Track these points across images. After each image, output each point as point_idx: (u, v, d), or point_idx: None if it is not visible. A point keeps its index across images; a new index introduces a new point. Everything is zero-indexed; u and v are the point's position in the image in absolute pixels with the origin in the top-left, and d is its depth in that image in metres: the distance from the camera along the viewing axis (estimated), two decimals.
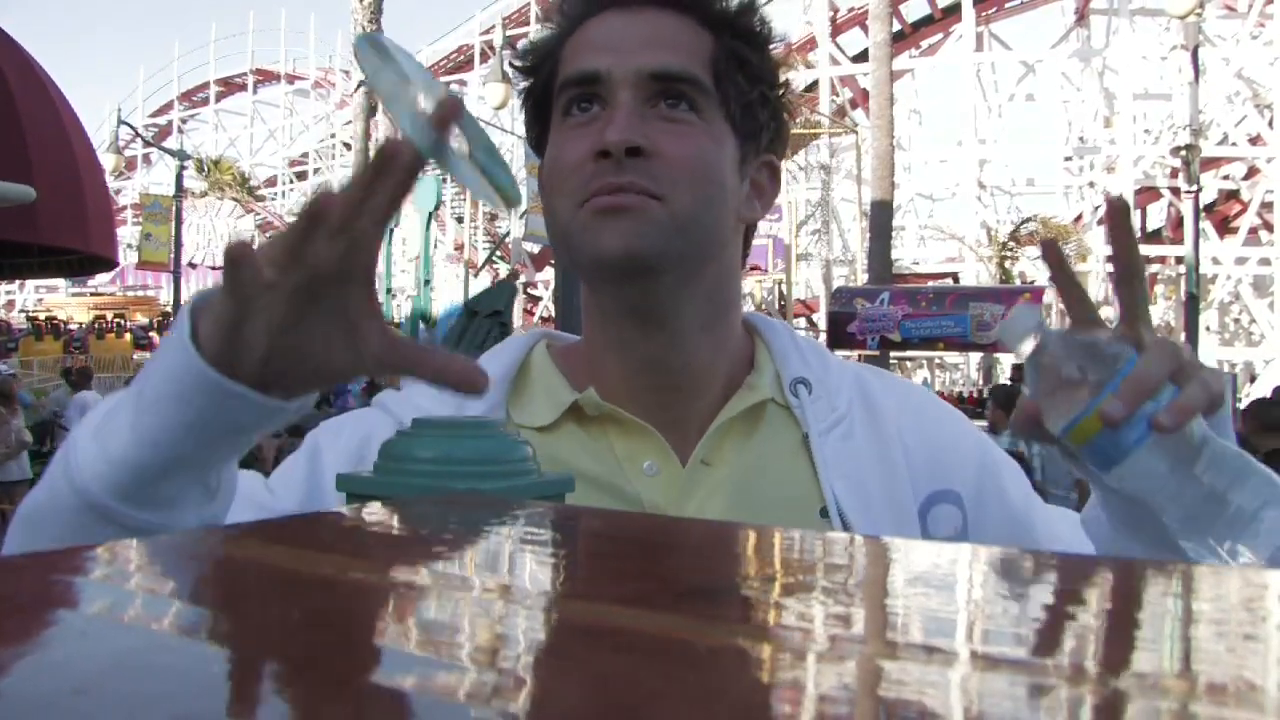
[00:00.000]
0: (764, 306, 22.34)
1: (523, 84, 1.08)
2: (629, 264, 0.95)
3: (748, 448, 1.03)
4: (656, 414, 1.02)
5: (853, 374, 1.09)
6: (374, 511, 0.56)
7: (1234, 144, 27.86)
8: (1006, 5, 31.91)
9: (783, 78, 1.08)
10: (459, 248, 32.02)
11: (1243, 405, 12.34)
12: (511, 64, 1.10)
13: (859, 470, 1.01)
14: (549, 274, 28.32)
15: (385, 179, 0.70)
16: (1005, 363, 17.95)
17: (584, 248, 0.97)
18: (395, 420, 1.00)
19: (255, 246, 0.71)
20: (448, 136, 0.75)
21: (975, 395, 14.94)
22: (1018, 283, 24.07)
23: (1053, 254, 0.94)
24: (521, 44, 1.10)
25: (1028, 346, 0.85)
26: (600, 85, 0.98)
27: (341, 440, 1.04)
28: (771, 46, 1.05)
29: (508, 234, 29.17)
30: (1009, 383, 9.59)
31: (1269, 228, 27.53)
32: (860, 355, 15.30)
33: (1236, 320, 29.23)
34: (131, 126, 29.81)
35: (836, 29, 30.58)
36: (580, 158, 0.97)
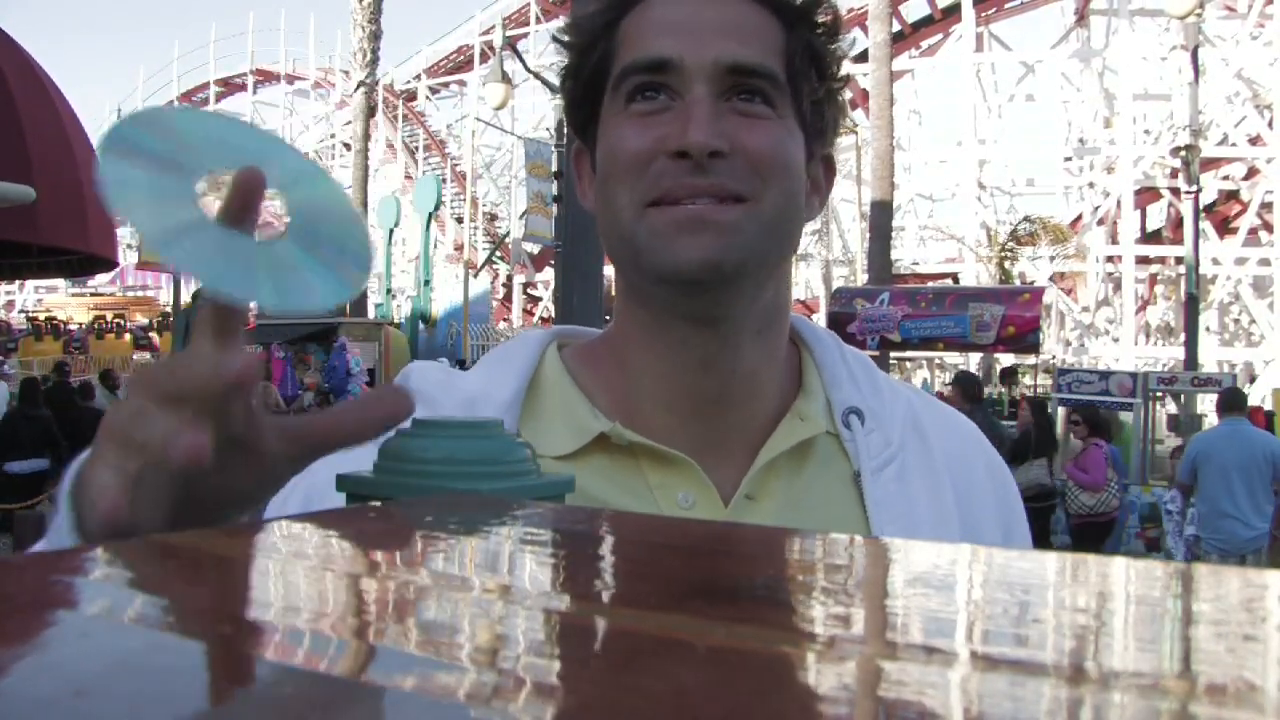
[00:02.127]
0: None
1: (568, 61, 1.00)
2: (709, 275, 0.89)
3: (795, 483, 0.96)
4: (696, 434, 0.95)
5: (904, 401, 1.02)
6: (374, 511, 0.56)
7: (1234, 144, 27.84)
8: (1006, 6, 31.89)
9: (841, 72, 1.00)
10: (459, 248, 32.01)
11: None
12: (556, 38, 1.01)
13: (910, 512, 0.95)
14: (549, 274, 28.29)
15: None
16: (1004, 362, 17.97)
17: (657, 257, 0.90)
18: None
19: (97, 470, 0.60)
20: (252, 225, 0.62)
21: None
22: (1017, 283, 24.06)
23: None
24: (569, 17, 1.02)
25: None
26: (670, 74, 0.91)
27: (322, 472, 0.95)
28: (839, 40, 0.98)
29: (507, 234, 29.18)
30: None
31: (1269, 228, 27.51)
32: None
33: (1236, 321, 29.21)
34: None
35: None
36: (647, 151, 0.90)
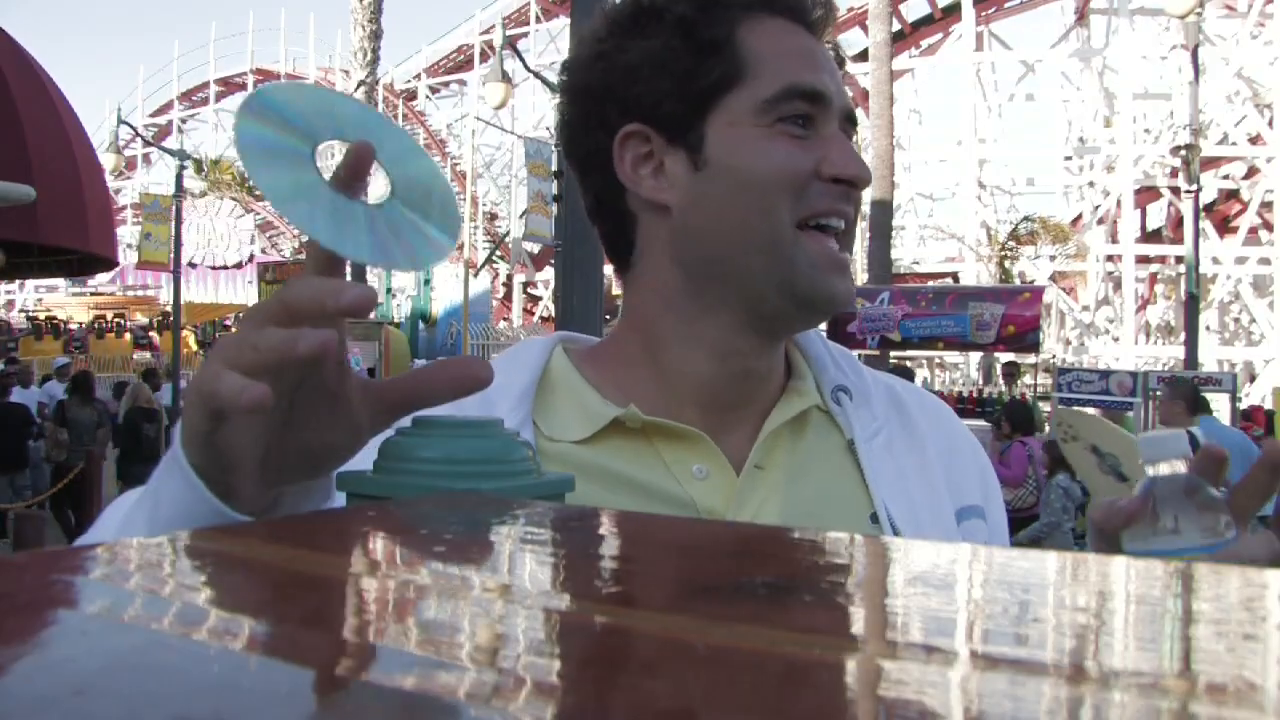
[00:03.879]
0: None
1: (672, 56, 1.00)
2: (841, 310, 1.03)
3: (798, 451, 1.04)
4: (714, 418, 1.02)
5: (884, 384, 1.11)
6: (374, 511, 0.56)
7: (1234, 143, 27.85)
8: (1006, 5, 31.90)
9: None
10: (459, 248, 32.02)
11: (1243, 405, 12.36)
12: (664, 8, 1.01)
13: (902, 479, 1.02)
14: (549, 273, 28.30)
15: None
16: (1004, 360, 17.98)
17: (813, 284, 0.98)
18: None
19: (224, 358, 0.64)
20: (360, 190, 0.70)
21: (975, 395, 14.93)
22: (1017, 282, 24.07)
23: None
24: (672, 11, 1.01)
25: (1163, 469, 0.91)
26: (819, 106, 0.99)
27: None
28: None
29: (507, 234, 29.18)
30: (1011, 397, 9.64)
31: (1269, 227, 27.52)
32: (860, 355, 15.27)
33: (1236, 320, 29.22)
34: (131, 126, 29.79)
35: (836, 28, 30.49)
36: (809, 171, 0.97)
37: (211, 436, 0.68)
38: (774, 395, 1.05)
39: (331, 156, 0.71)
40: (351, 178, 0.70)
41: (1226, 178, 28.58)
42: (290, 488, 0.73)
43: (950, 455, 1.09)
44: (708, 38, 0.99)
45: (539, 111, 33.24)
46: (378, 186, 0.74)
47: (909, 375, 10.34)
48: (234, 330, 0.68)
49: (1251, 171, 28.10)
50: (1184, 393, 8.07)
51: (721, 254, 1.00)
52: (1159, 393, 10.89)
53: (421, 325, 23.02)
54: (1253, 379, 24.98)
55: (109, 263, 8.44)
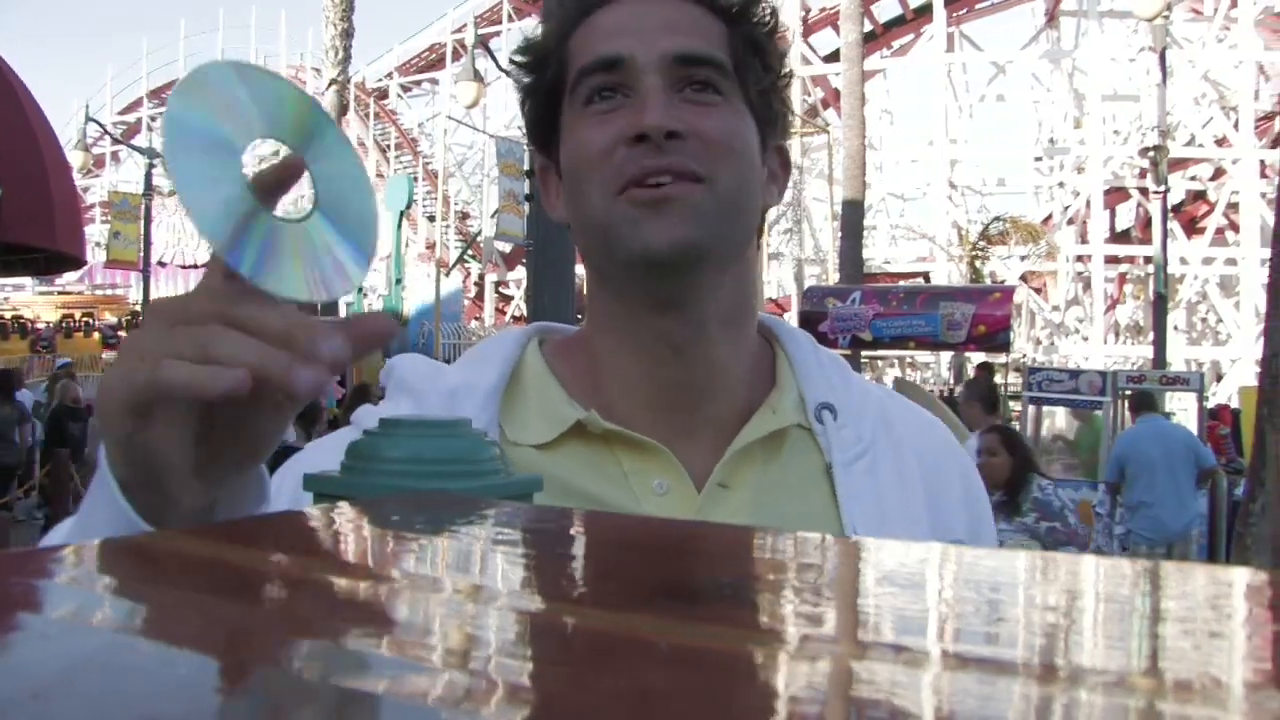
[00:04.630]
0: None
1: (525, 81, 1.04)
2: (679, 256, 0.92)
3: (768, 472, 0.98)
4: (669, 425, 0.97)
5: (876, 400, 1.05)
6: (340, 511, 0.55)
7: (1201, 145, 28.11)
8: (977, 6, 32.09)
9: (785, 69, 1.06)
10: (430, 247, 31.93)
11: (1210, 405, 12.47)
12: (512, 60, 1.06)
13: (880, 505, 0.97)
14: (521, 273, 28.27)
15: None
16: (975, 361, 18.08)
17: (627, 241, 0.93)
18: None
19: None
20: (278, 200, 0.67)
21: (946, 394, 15.01)
22: (988, 282, 24.20)
23: None
24: (523, 40, 1.06)
25: None
26: (623, 71, 0.95)
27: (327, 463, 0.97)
28: (777, 36, 1.04)
29: (479, 233, 29.12)
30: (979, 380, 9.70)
31: (1235, 228, 27.79)
32: None
33: (1204, 320, 29.49)
34: (99, 124, 29.53)
35: (808, 29, 30.65)
36: (609, 143, 0.94)
37: (136, 439, 0.65)
38: (741, 408, 1.00)
39: (259, 161, 0.67)
40: (275, 189, 0.67)
41: (1194, 179, 28.85)
42: (226, 489, 0.71)
43: (936, 481, 1.02)
44: (542, 52, 1.03)
45: (511, 111, 33.15)
46: (301, 197, 0.71)
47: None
48: (148, 324, 0.64)
49: (1218, 173, 28.37)
50: (980, 392, 8.24)
51: (580, 246, 1.01)
52: (1128, 392, 10.99)
53: None
54: (1219, 378, 25.21)
55: (77, 261, 8.37)
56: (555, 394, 1.00)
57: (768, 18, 1.02)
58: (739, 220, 0.96)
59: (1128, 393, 11.06)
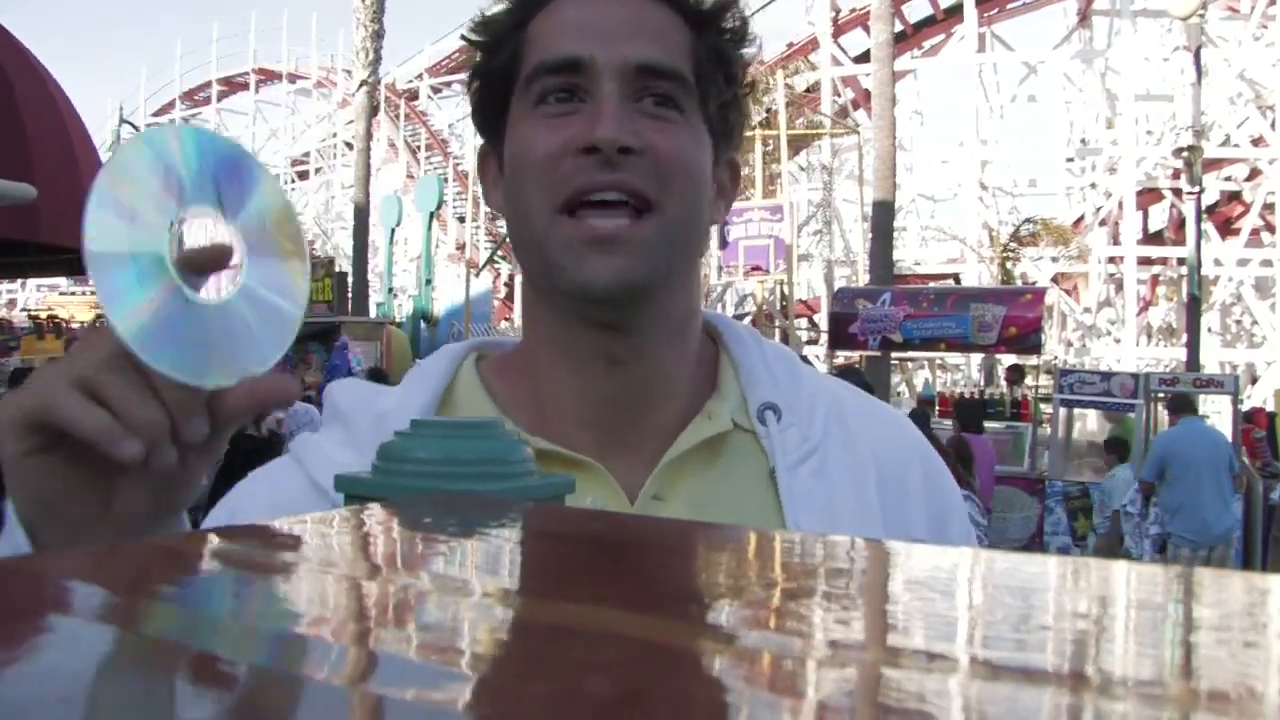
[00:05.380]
0: (765, 307, 22.33)
1: (476, 59, 0.99)
2: (620, 293, 0.89)
3: (705, 480, 0.94)
4: (605, 441, 0.94)
5: (829, 395, 1.00)
6: (371, 512, 0.55)
7: (1236, 145, 27.81)
8: (1009, 6, 31.87)
9: (748, 78, 1.01)
10: (460, 247, 32.03)
11: (1244, 408, 12.36)
12: (464, 37, 1.01)
13: (830, 507, 0.92)
14: None
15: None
16: (1006, 363, 17.96)
17: (567, 272, 0.89)
18: (307, 475, 0.93)
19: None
20: (196, 281, 0.66)
21: (977, 395, 14.91)
22: (1019, 284, 24.05)
23: None
24: (479, 14, 1.00)
25: None
26: (582, 74, 0.90)
27: (256, 503, 0.95)
28: (746, 45, 0.99)
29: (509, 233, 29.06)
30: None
31: (1271, 229, 27.49)
32: (862, 356, 15.28)
33: (1238, 322, 29.18)
34: (134, 125, 29.80)
35: (838, 29, 30.55)
36: (557, 150, 0.89)
37: (28, 465, 0.64)
38: (682, 416, 0.96)
39: (184, 230, 0.66)
40: (201, 271, 0.66)
41: (1229, 179, 28.54)
42: (140, 536, 0.69)
43: (893, 479, 0.96)
44: (497, 33, 0.97)
45: None
46: (228, 272, 0.69)
47: (863, 383, 10.40)
48: (45, 370, 0.65)
49: (1254, 173, 28.06)
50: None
51: (517, 254, 0.98)
52: (1160, 395, 10.90)
53: (423, 325, 23.02)
54: (1254, 381, 24.95)
55: None
56: (486, 411, 0.97)
57: (737, 25, 0.97)
58: (685, 248, 0.93)
59: (1160, 395, 10.98)
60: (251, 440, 9.03)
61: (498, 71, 0.97)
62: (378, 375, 10.30)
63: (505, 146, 0.96)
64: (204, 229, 0.66)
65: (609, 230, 0.88)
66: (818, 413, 0.97)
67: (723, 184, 1.00)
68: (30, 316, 29.19)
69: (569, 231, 0.89)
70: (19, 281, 32.75)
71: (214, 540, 0.49)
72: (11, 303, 37.67)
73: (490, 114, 0.98)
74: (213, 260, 0.66)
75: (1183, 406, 8.97)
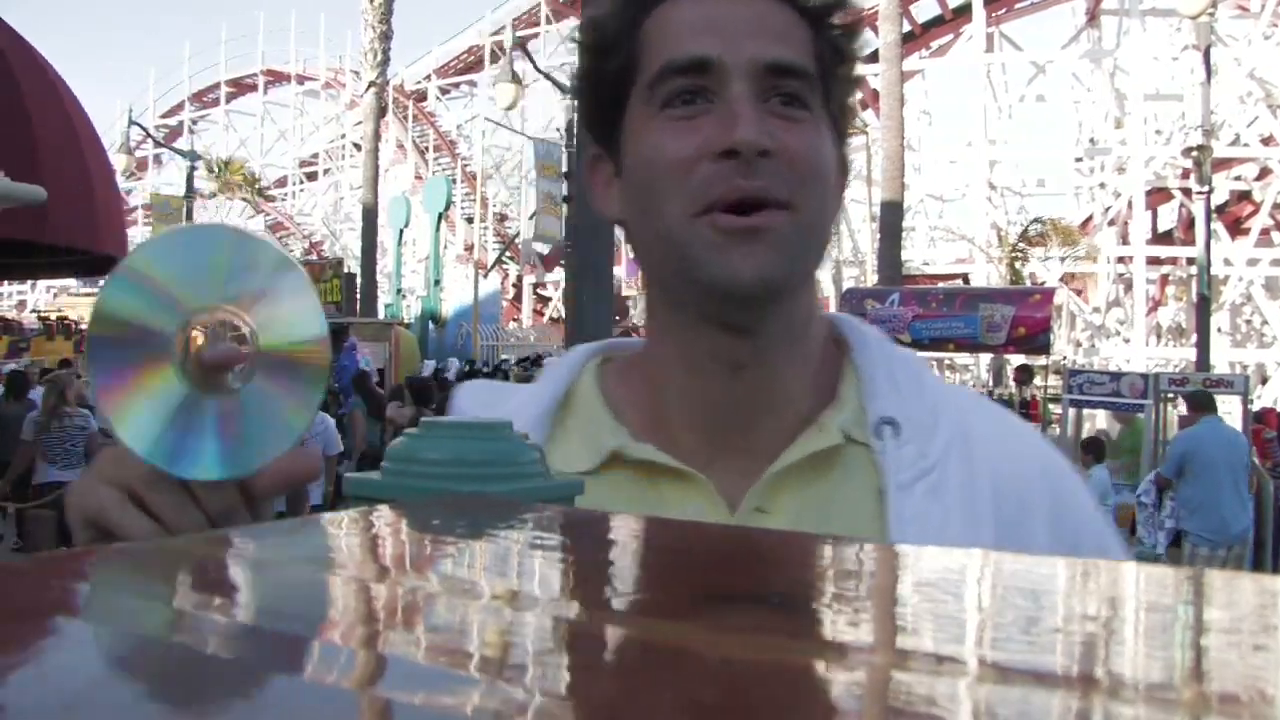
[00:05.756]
0: None
1: (586, 64, 0.97)
2: (763, 289, 0.87)
3: (811, 495, 0.91)
4: (715, 447, 0.92)
5: (955, 408, 0.94)
6: (380, 514, 0.55)
7: (1246, 145, 27.74)
8: (1017, 6, 31.84)
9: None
10: (469, 248, 32.04)
11: (1254, 408, 12.32)
12: (574, 39, 1.00)
13: (941, 529, 0.87)
14: (559, 274, 28.29)
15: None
16: (1014, 363, 17.92)
17: (710, 267, 0.86)
18: None
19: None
20: (208, 383, 0.67)
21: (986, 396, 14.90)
22: (1028, 284, 24.01)
23: None
24: (588, 16, 0.98)
25: None
26: (710, 75, 0.88)
27: None
28: (858, 40, 0.95)
29: (517, 235, 29.19)
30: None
31: None
32: None
33: (1248, 322, 29.11)
34: (142, 127, 29.87)
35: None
36: (692, 155, 0.87)
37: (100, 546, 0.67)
38: (795, 425, 0.92)
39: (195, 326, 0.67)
40: (212, 371, 0.66)
41: (1239, 179, 28.47)
42: None
43: (1013, 505, 0.90)
44: (610, 36, 0.95)
45: (549, 113, 33.22)
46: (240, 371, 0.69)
47: None
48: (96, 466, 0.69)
49: (1264, 173, 27.98)
50: None
51: (645, 258, 0.95)
52: (1170, 395, 10.88)
53: (431, 325, 23.07)
54: (1264, 381, 24.88)
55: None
56: (601, 420, 0.96)
57: (850, 19, 0.94)
58: (818, 247, 0.91)
59: (1170, 395, 10.96)
60: None
61: (612, 74, 0.94)
62: (399, 394, 10.30)
63: (625, 150, 0.94)
64: (214, 319, 0.67)
65: (752, 222, 0.86)
66: (940, 428, 0.92)
67: (838, 180, 0.96)
68: (40, 318, 29.28)
69: (708, 233, 0.87)
70: (28, 283, 32.86)
71: (236, 541, 0.49)
72: (21, 304, 37.79)
73: (603, 118, 0.96)
74: (226, 361, 0.67)
75: (1203, 405, 8.91)
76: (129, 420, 0.65)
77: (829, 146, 0.91)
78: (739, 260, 0.85)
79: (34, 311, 33.57)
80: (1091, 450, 10.08)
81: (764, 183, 0.86)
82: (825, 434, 0.91)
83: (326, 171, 43.92)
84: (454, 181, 30.52)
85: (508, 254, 30.79)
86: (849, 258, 29.20)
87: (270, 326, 0.68)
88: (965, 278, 27.98)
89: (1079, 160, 31.44)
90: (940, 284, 25.11)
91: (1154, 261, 28.02)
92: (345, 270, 24.62)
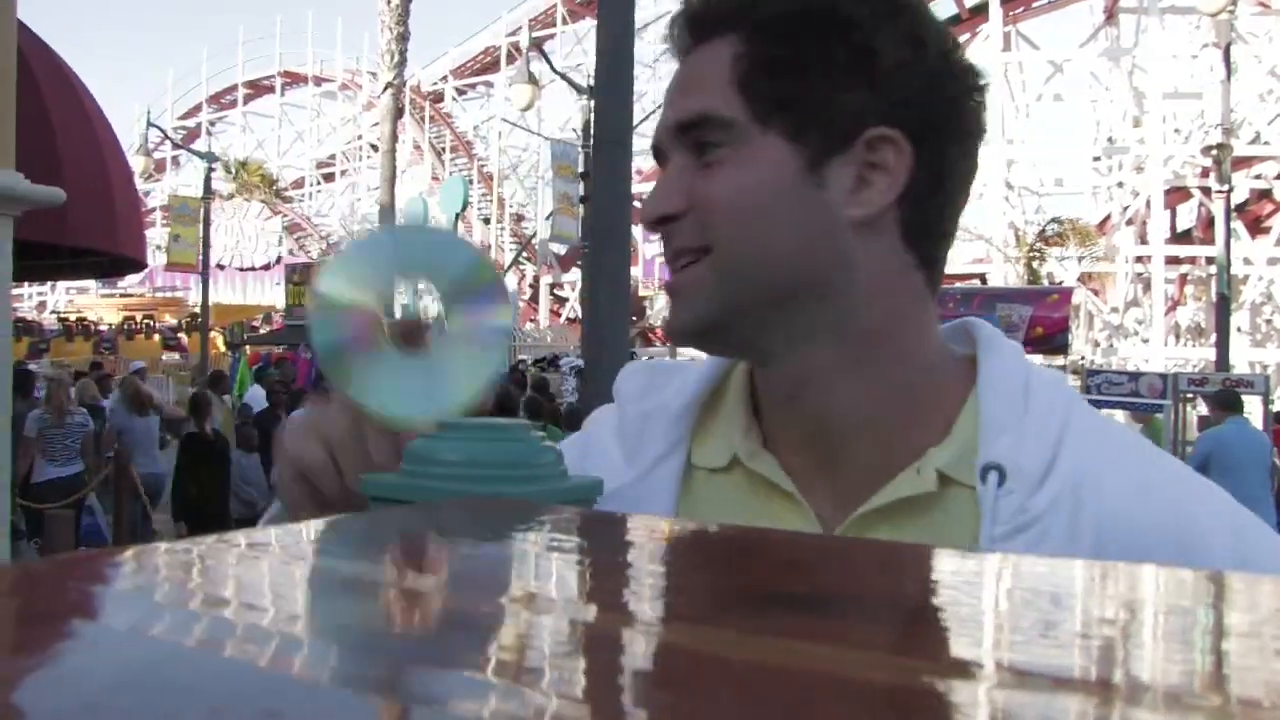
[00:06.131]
0: None
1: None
2: (695, 339, 0.90)
3: (905, 535, 0.86)
4: (812, 469, 0.89)
5: (1083, 454, 0.86)
6: (398, 515, 0.55)
7: (1266, 143, 27.57)
8: (1034, 4, 31.73)
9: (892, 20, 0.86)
10: (485, 249, 32.07)
11: (1275, 408, 12.25)
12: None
13: None
14: (575, 275, 28.31)
15: None
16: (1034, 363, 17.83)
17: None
18: (579, 454, 0.97)
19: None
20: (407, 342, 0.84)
21: None
22: (1045, 283, 23.91)
23: None
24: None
25: None
26: (663, 156, 0.91)
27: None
28: (811, 13, 0.86)
29: (534, 235, 29.20)
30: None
31: None
32: None
33: (1268, 321, 28.92)
34: (160, 129, 29.99)
35: None
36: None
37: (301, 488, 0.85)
38: (893, 457, 0.87)
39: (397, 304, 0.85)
40: (409, 337, 0.82)
41: (1259, 177, 28.29)
42: None
43: (1118, 556, 0.80)
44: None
45: (565, 113, 33.24)
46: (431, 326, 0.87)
47: None
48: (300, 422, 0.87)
49: None
50: None
51: None
52: (1189, 395, 10.82)
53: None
54: None
55: (138, 264, 8.50)
56: (737, 417, 0.94)
57: (777, 10, 0.87)
58: (760, 276, 0.86)
59: (1189, 395, 10.90)
60: (199, 440, 9.31)
61: None
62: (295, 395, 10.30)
63: None
64: (414, 295, 0.87)
65: (669, 283, 0.91)
66: (1052, 478, 0.85)
67: (873, 165, 0.86)
68: (59, 319, 29.45)
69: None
70: (48, 284, 33.04)
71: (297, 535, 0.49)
72: (41, 305, 38.02)
73: None
74: (414, 329, 0.82)
75: (1230, 405, 8.80)
76: (352, 380, 0.80)
77: (760, 171, 0.86)
78: (670, 318, 0.91)
79: (54, 312, 33.78)
80: None
81: (675, 245, 0.88)
82: (921, 478, 0.86)
83: (344, 172, 44.05)
84: (471, 182, 30.55)
85: (524, 254, 30.79)
86: None
87: (454, 296, 0.83)
88: (983, 278, 27.87)
89: (1097, 159, 31.29)
90: (957, 284, 25.01)
91: (1173, 261, 27.87)
92: None
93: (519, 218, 36.25)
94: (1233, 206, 17.05)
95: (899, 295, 0.88)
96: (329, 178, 44.81)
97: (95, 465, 9.17)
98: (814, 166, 0.85)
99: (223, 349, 24.73)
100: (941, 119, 0.87)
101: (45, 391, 9.86)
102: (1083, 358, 21.99)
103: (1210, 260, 22.92)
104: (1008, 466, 0.84)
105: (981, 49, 30.99)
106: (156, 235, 28.71)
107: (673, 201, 0.87)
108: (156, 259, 25.33)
